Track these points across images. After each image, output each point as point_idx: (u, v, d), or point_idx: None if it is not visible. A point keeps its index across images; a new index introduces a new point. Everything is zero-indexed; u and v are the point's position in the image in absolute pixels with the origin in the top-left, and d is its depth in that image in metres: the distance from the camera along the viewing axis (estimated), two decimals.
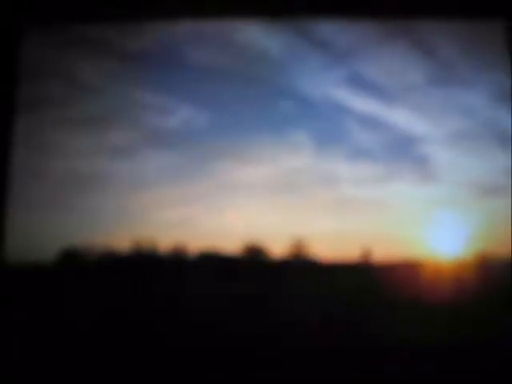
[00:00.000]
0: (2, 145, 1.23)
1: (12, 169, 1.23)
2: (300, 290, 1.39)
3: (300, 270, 1.43)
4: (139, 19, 1.33)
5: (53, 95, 1.44)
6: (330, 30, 1.44)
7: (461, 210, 1.40)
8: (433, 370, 1.14)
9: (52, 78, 1.44)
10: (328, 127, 1.49)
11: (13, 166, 1.24)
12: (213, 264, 1.41)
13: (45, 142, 1.43)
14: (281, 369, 1.16)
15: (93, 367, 1.16)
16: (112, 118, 1.46)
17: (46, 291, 1.35)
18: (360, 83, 1.49)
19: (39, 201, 1.39)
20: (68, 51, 1.43)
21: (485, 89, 1.44)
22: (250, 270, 1.43)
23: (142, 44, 1.45)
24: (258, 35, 1.46)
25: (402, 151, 1.49)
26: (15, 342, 1.20)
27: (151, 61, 1.46)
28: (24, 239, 1.29)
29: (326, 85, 1.49)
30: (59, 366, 1.17)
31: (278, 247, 1.41)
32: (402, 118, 1.49)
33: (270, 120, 1.46)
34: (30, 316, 1.27)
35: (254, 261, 1.41)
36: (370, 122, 1.50)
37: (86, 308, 1.32)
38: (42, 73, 1.40)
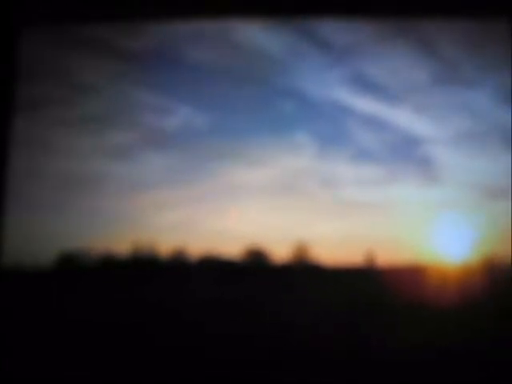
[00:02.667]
0: (0, 145, 1.22)
1: (10, 169, 1.22)
2: (302, 294, 1.38)
3: (302, 273, 1.41)
4: (138, 19, 1.31)
5: (52, 95, 1.43)
6: (332, 29, 1.43)
7: (465, 212, 1.38)
8: (438, 375, 1.12)
9: (51, 78, 1.43)
10: (330, 128, 1.48)
11: (11, 166, 1.23)
12: (213, 267, 1.39)
13: (44, 142, 1.42)
14: (282, 373, 1.15)
15: (92, 369, 1.15)
16: (111, 119, 1.45)
17: (44, 294, 1.34)
18: (362, 83, 1.48)
19: (37, 202, 1.37)
20: (67, 51, 1.42)
21: (489, 89, 1.42)
22: (252, 273, 1.42)
23: (142, 44, 1.44)
24: (258, 35, 1.45)
25: (405, 152, 1.47)
26: (13, 345, 1.19)
27: (151, 61, 1.45)
28: (22, 241, 1.28)
29: (328, 85, 1.47)
30: (58, 367, 1.16)
31: (279, 250, 1.40)
32: (404, 118, 1.47)
33: (271, 121, 1.45)
34: (28, 319, 1.26)
35: (255, 264, 1.40)
36: (373, 123, 1.48)
37: (85, 311, 1.31)
38: (41, 73, 1.39)
